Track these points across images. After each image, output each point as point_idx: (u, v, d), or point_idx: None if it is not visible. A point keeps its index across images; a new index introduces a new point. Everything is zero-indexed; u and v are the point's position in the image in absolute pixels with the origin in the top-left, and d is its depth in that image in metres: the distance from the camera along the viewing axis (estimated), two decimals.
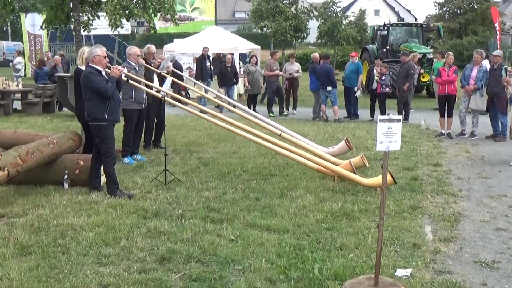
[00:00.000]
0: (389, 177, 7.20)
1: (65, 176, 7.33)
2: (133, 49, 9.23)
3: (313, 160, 7.70)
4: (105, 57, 7.01)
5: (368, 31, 28.77)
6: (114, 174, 7.07)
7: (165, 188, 7.41)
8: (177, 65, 14.54)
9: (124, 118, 9.26)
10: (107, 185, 7.06)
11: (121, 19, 9.08)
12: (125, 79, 7.60)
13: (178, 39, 24.51)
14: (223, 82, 17.51)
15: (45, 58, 21.36)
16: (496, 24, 25.88)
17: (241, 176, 8.21)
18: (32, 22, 29.51)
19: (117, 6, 8.80)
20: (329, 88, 14.90)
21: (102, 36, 33.26)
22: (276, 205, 6.59)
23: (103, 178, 7.47)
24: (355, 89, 15.25)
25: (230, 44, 21.27)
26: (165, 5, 9.54)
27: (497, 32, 25.42)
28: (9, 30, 54.94)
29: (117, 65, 7.21)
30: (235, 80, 17.69)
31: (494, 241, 5.54)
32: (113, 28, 9.00)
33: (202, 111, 8.96)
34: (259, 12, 22.13)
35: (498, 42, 25.09)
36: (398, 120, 3.75)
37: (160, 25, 30.05)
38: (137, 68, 9.18)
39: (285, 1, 22.09)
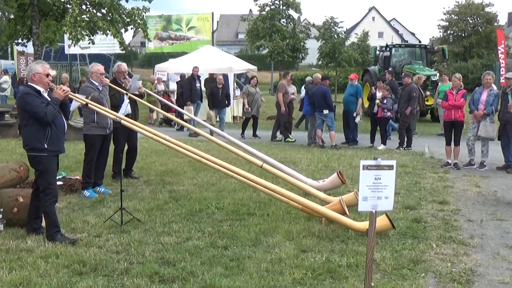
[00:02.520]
0: (386, 220, 6.02)
1: (0, 216, 6.16)
2: (95, 67, 8.11)
3: (295, 200, 6.49)
4: (47, 75, 5.87)
5: (370, 53, 27.66)
6: (55, 215, 5.88)
7: (119, 231, 6.22)
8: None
9: (85, 144, 8.15)
10: (46, 228, 5.88)
11: (83, 33, 7.90)
12: (83, 102, 6.51)
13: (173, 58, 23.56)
14: (214, 104, 16.55)
15: None
16: (501, 47, 24.77)
17: (214, 215, 7.02)
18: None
19: (78, 18, 7.65)
20: (325, 111, 13.76)
21: (97, 55, 32.39)
22: (246, 257, 5.38)
23: None
24: (354, 114, 14.08)
25: (224, 64, 20.22)
26: (136, 19, 8.37)
27: (502, 55, 24.28)
28: (9, 49, 54.16)
29: (62, 85, 6.08)
30: (226, 102, 16.62)
31: None
32: (74, 43, 7.86)
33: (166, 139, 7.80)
34: (255, 31, 21.11)
35: (504, 65, 23.96)
36: (391, 167, 2.59)
37: (156, 44, 29.16)
38: (100, 88, 8.07)
39: (282, 20, 21.05)
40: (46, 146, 5.74)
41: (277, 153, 12.53)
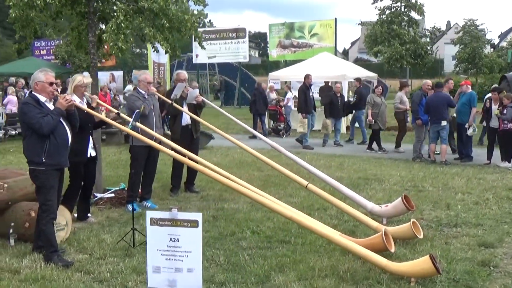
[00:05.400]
0: (428, 264, 4.78)
1: (11, 230, 5.92)
2: (143, 75, 7.71)
3: (322, 232, 5.41)
4: (51, 84, 5.51)
5: (508, 57, 24.77)
6: (52, 234, 5.48)
7: (125, 254, 5.66)
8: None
9: (130, 156, 7.76)
10: (44, 247, 5.50)
11: (128, 41, 7.51)
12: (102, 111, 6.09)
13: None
14: (332, 113, 15.61)
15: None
16: None
17: (243, 240, 6.20)
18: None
19: (122, 25, 7.28)
20: (443, 123, 12.17)
21: (225, 64, 32.85)
22: None
23: (60, 234, 5.99)
24: (466, 126, 12.29)
25: (338, 71, 19.13)
26: (185, 22, 7.82)
27: None
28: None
29: (66, 94, 5.68)
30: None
31: None
32: (116, 52, 7.49)
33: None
34: (373, 36, 19.71)
35: None
36: (194, 224, 1.70)
37: (278, 52, 28.80)
38: (146, 97, 7.65)
39: (403, 23, 19.43)
40: (43, 160, 5.36)
41: (370, 168, 11.32)
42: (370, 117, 14.39)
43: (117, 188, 8.59)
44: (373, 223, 6.28)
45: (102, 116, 6.38)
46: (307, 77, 15.31)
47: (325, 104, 15.98)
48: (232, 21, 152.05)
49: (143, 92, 7.68)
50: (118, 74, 30.82)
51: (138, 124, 6.39)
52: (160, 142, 6.75)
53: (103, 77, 29.56)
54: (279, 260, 5.47)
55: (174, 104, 8.00)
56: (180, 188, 8.91)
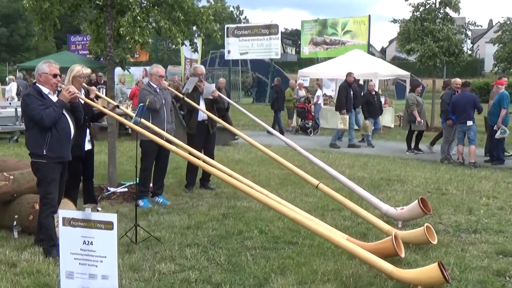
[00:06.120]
0: (436, 272, 4.50)
1: (14, 223, 5.87)
2: (155, 69, 7.58)
3: (326, 236, 5.16)
4: (55, 76, 5.42)
5: None
6: (52, 227, 5.39)
7: (126, 251, 5.53)
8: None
9: (141, 151, 7.66)
10: (44, 241, 5.42)
11: (144, 34, 7.39)
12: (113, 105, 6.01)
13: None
14: (370, 112, 15.24)
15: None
16: None
17: (249, 240, 6.00)
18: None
19: (138, 18, 7.17)
20: (469, 123, 11.75)
21: (257, 60, 32.68)
22: None
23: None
24: (495, 128, 11.79)
25: (369, 69, 18.70)
26: (201, 15, 7.65)
27: None
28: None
29: (69, 86, 5.58)
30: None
31: None
32: (132, 46, 7.39)
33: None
34: (406, 34, 19.18)
35: None
36: (109, 226, 1.54)
37: (310, 49, 28.44)
38: (157, 91, 7.53)
39: (437, 20, 18.84)
40: (45, 152, 5.28)
41: (394, 169, 10.98)
42: (418, 118, 13.78)
43: (131, 183, 8.51)
44: (384, 226, 6.01)
45: (101, 107, 6.23)
46: (349, 75, 15.07)
47: (361, 105, 15.53)
48: (271, 18, 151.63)
49: (155, 86, 7.57)
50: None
51: (144, 121, 6.23)
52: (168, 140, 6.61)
53: (136, 72, 29.80)
54: (282, 262, 5.26)
55: (186, 99, 7.87)
56: (196, 185, 8.78)
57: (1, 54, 52.32)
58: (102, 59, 27.81)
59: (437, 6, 19.00)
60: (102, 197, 7.81)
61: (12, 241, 5.80)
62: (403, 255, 5.20)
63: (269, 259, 5.34)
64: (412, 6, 19.53)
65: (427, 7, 19.28)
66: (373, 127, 15.46)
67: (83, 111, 5.74)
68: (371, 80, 18.46)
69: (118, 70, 29.79)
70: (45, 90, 5.40)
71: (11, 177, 6.04)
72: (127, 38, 7.36)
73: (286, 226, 6.54)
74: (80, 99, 5.69)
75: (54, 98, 5.44)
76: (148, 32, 7.44)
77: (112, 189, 8.11)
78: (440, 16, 18.70)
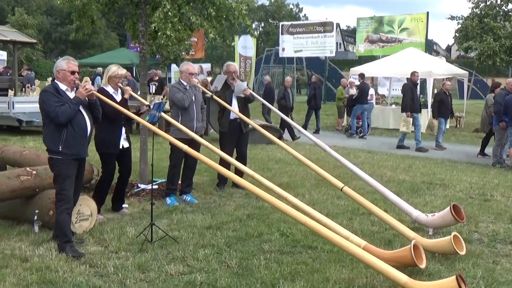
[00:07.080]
0: (451, 285, 4.19)
1: (35, 217, 5.94)
2: (185, 66, 7.52)
3: (340, 243, 4.90)
4: (73, 73, 5.43)
5: None
6: (67, 223, 5.41)
7: (140, 249, 5.48)
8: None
9: (170, 148, 7.61)
10: (58, 237, 5.45)
11: (176, 30, 7.33)
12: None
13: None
14: (443, 112, 14.24)
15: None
16: None
17: (268, 243, 5.81)
18: (244, 44, 29.86)
19: (169, 13, 7.14)
20: None
21: (313, 58, 32.36)
22: None
23: (84, 224, 5.96)
24: None
25: (423, 67, 18.04)
26: (233, 11, 7.52)
27: None
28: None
29: (87, 83, 5.57)
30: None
31: None
32: (165, 42, 7.34)
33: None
34: (464, 31, 18.38)
35: None
36: None
37: (366, 47, 27.82)
38: (187, 88, 7.46)
39: (498, 17, 17.94)
40: (60, 149, 5.30)
41: (439, 172, 10.50)
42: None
43: (163, 180, 8.49)
44: (410, 234, 5.68)
45: (125, 110, 6.15)
46: (413, 74, 14.32)
47: (433, 104, 14.79)
48: (333, 16, 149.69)
49: (185, 83, 7.50)
50: (206, 66, 31.25)
51: (167, 117, 6.12)
52: (192, 141, 6.52)
53: None
54: (295, 267, 5.05)
55: (215, 97, 7.76)
56: (228, 184, 8.67)
57: (67, 50, 54.22)
58: (157, 56, 28.34)
59: (499, 2, 18.08)
60: (131, 193, 7.82)
61: (32, 235, 5.86)
62: (423, 265, 4.87)
63: (282, 264, 5.15)
64: (472, 3, 18.68)
65: (488, 3, 18.38)
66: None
67: (101, 109, 5.72)
68: (447, 79, 17.54)
69: (174, 67, 30.32)
70: (63, 86, 5.42)
71: (34, 172, 6.12)
72: (159, 33, 7.32)
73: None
74: (97, 98, 5.65)
75: (71, 95, 5.45)
76: (180, 27, 7.36)
77: (142, 186, 8.12)
78: (502, 13, 17.78)
